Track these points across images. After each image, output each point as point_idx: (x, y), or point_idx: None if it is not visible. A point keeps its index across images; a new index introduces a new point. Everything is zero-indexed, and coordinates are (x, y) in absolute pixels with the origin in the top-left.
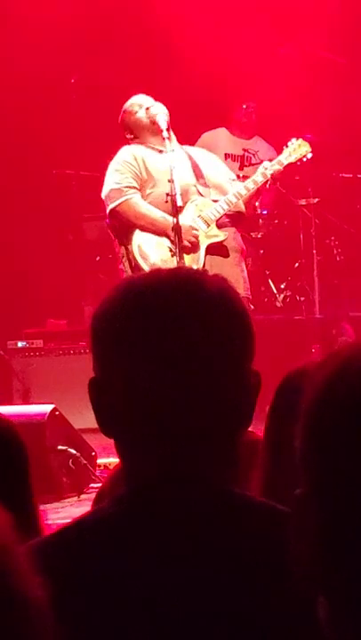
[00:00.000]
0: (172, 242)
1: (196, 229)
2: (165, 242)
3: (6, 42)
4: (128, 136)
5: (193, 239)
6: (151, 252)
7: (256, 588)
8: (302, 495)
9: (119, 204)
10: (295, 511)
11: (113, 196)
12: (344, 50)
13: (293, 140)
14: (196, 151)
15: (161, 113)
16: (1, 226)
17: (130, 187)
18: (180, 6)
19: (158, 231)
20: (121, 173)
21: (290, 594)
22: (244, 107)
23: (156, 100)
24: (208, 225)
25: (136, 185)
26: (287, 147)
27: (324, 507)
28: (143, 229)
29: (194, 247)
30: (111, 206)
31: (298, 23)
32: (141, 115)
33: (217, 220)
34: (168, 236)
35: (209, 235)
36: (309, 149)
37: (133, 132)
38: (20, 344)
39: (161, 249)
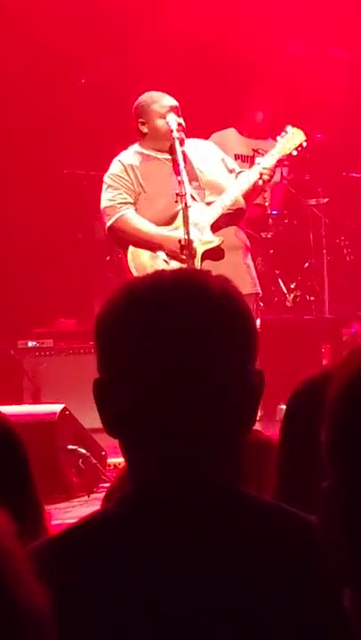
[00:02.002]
0: (167, 255)
1: (191, 240)
2: (161, 254)
3: (16, 42)
4: (141, 127)
5: (189, 251)
6: (147, 264)
7: (259, 588)
8: (329, 488)
9: (114, 221)
10: (322, 504)
11: (108, 213)
12: (355, 48)
13: (288, 127)
14: (192, 144)
15: (172, 120)
16: (11, 225)
17: (123, 202)
18: (191, 4)
19: (153, 246)
20: (114, 189)
21: (293, 593)
22: (261, 115)
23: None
24: (202, 232)
25: (130, 200)
26: (281, 136)
27: (349, 500)
28: (137, 245)
29: (192, 257)
30: (107, 224)
31: (309, 21)
32: (163, 123)
33: (211, 225)
34: (163, 250)
35: (203, 241)
36: (304, 137)
37: (150, 130)
38: (30, 344)
39: (156, 260)
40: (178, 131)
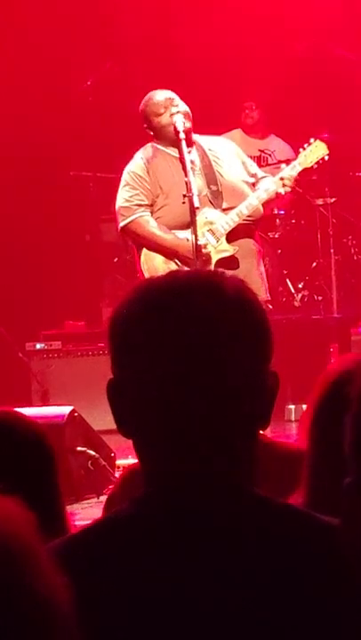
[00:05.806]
0: (181, 260)
1: (206, 247)
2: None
3: (22, 45)
4: (148, 131)
5: (203, 257)
6: (160, 267)
7: (270, 588)
8: (351, 483)
9: (128, 223)
10: (344, 499)
11: (123, 213)
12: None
13: (312, 140)
14: (213, 144)
15: (179, 119)
16: (19, 227)
17: (140, 205)
18: (198, 7)
19: (166, 251)
20: (132, 189)
21: (307, 593)
22: (245, 104)
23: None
24: (218, 239)
25: (146, 202)
26: (304, 149)
27: None
28: (150, 249)
29: (206, 263)
30: (121, 225)
31: (314, 21)
32: (166, 120)
33: (229, 233)
34: (178, 257)
35: (218, 250)
36: (327, 151)
37: (154, 131)
38: (38, 346)
39: (169, 264)
40: (184, 131)
